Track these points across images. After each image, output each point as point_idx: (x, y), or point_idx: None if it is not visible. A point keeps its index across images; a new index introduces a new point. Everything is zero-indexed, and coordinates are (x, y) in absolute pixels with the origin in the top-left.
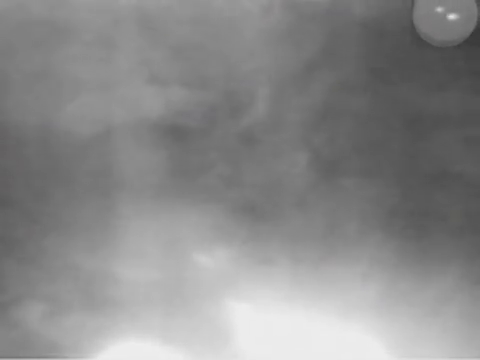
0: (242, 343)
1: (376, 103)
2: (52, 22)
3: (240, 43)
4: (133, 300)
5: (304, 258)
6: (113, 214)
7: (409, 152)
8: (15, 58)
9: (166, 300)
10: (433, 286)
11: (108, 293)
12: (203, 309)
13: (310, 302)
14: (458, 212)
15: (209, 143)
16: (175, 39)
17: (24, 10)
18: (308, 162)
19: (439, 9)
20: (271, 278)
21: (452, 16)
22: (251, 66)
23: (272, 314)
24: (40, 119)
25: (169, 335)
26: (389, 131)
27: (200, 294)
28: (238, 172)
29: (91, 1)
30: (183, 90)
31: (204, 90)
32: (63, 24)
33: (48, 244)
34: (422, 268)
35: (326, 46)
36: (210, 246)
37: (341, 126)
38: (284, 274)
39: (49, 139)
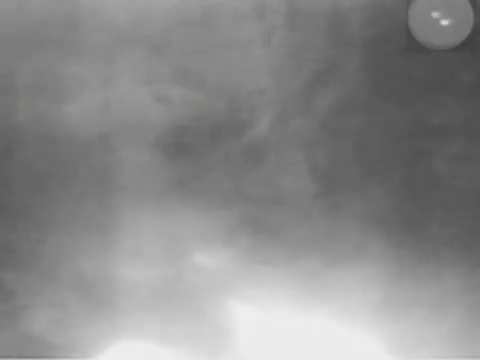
0: (242, 344)
1: (376, 119)
2: (55, 25)
3: (244, 63)
4: (133, 301)
5: (305, 260)
6: (113, 215)
7: (409, 164)
8: (16, 60)
9: (166, 301)
10: (432, 291)
11: (108, 293)
12: (203, 310)
13: (311, 303)
14: (457, 222)
15: (212, 156)
16: (180, 58)
17: (27, 12)
18: (309, 176)
19: (435, 14)
20: (272, 279)
21: (447, 20)
22: (254, 85)
23: (273, 315)
24: (40, 121)
25: (169, 336)
26: (389, 145)
27: (200, 295)
28: (240, 184)
29: (98, 20)
30: (187, 107)
31: (208, 107)
32: (68, 39)
33: (47, 245)
34: (422, 274)
35: (327, 65)
36: (210, 247)
37: (341, 141)
38: (285, 275)
39: (50, 142)
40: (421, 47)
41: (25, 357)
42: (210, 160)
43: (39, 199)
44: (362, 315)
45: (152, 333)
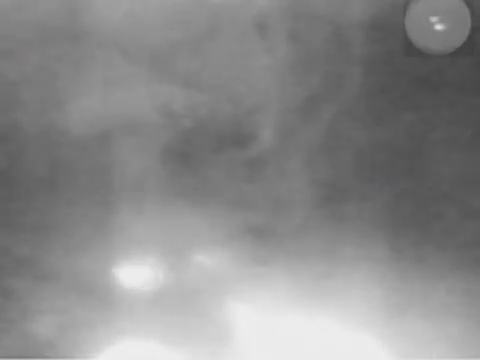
0: (241, 344)
1: (376, 129)
2: (58, 36)
3: (247, 76)
4: (133, 301)
5: (306, 264)
6: (114, 216)
7: (409, 174)
8: (16, 59)
9: (166, 301)
10: (432, 293)
11: (108, 294)
12: (203, 311)
13: (310, 303)
14: (457, 230)
15: (215, 165)
16: (183, 70)
17: (27, 11)
18: (311, 186)
19: (432, 18)
20: (271, 279)
21: (445, 25)
22: (257, 97)
23: (272, 315)
24: (41, 123)
25: (168, 336)
26: (388, 158)
27: (200, 295)
28: (242, 193)
29: (101, 33)
30: (191, 119)
31: (212, 120)
32: (71, 50)
33: (47, 247)
34: (422, 277)
35: (328, 79)
36: (211, 251)
37: (342, 153)
38: (285, 277)
39: (50, 143)
40: (421, 57)
41: (26, 357)
42: (213, 169)
43: (39, 201)
44: (362, 316)
45: (152, 334)
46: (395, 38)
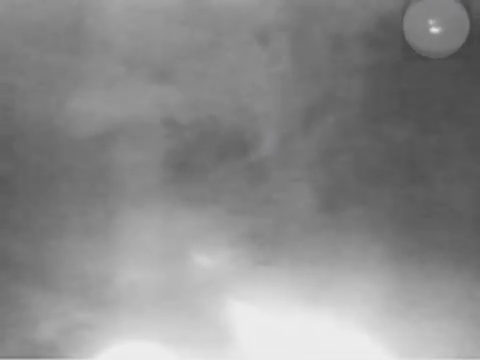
0: (242, 343)
1: (376, 140)
2: (60, 48)
3: (250, 87)
4: (133, 301)
5: (307, 266)
6: (114, 216)
7: (409, 181)
8: (16, 62)
9: (166, 300)
10: (433, 294)
11: (108, 293)
12: (203, 310)
13: (310, 302)
14: (455, 240)
15: (217, 172)
16: (186, 81)
17: (27, 14)
18: (311, 193)
19: (430, 21)
20: (272, 280)
21: (443, 28)
22: (259, 108)
23: (272, 314)
24: (42, 125)
25: (169, 335)
26: (388, 165)
27: (200, 294)
28: (244, 201)
29: (106, 40)
30: (193, 126)
31: (214, 127)
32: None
33: (47, 247)
34: (422, 279)
35: (329, 90)
36: (210, 246)
37: (342, 161)
38: (286, 277)
39: (51, 143)
40: (420, 60)
41: (26, 357)
42: (214, 176)
43: (40, 204)
44: (363, 317)
45: (152, 333)
46: (395, 44)
